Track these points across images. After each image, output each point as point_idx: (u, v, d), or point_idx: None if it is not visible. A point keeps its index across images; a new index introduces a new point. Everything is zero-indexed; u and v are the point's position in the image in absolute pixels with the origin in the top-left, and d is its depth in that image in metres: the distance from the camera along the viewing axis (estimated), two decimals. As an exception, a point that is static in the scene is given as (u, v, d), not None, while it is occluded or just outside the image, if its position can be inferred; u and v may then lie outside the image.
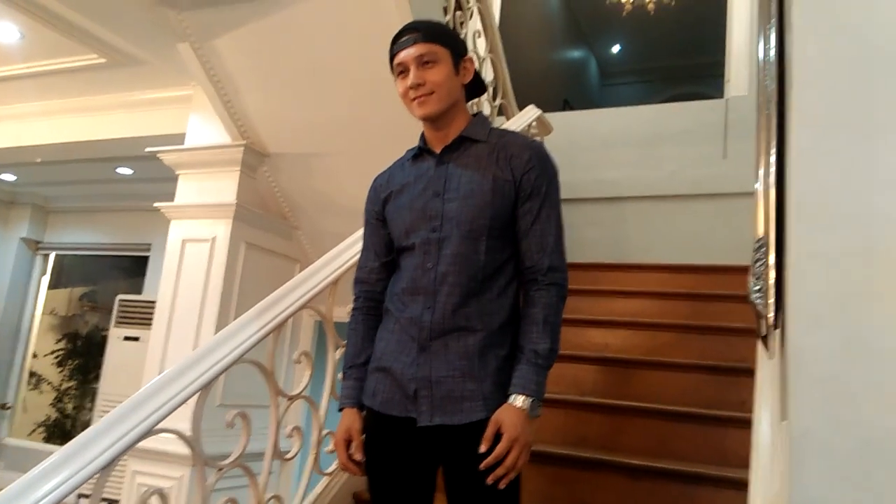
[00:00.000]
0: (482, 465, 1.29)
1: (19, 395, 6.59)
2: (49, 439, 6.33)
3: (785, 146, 1.24)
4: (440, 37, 1.45)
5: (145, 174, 5.34)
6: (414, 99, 1.44)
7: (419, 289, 1.41)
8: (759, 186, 1.39)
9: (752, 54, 4.30)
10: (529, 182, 1.43)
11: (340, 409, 1.49)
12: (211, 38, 3.09)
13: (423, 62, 1.42)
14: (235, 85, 3.30)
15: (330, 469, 2.10)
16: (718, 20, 4.83)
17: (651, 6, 5.90)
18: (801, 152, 1.03)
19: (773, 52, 1.50)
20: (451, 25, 3.02)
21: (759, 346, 1.48)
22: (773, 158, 1.38)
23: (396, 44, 1.46)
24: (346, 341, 1.58)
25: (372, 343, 1.50)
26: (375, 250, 1.55)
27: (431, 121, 1.47)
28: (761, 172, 1.40)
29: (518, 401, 1.32)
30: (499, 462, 1.28)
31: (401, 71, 1.46)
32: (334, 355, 2.04)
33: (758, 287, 1.31)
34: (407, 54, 1.43)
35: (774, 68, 1.49)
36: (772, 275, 1.27)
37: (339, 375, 1.58)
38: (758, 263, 1.31)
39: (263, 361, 1.78)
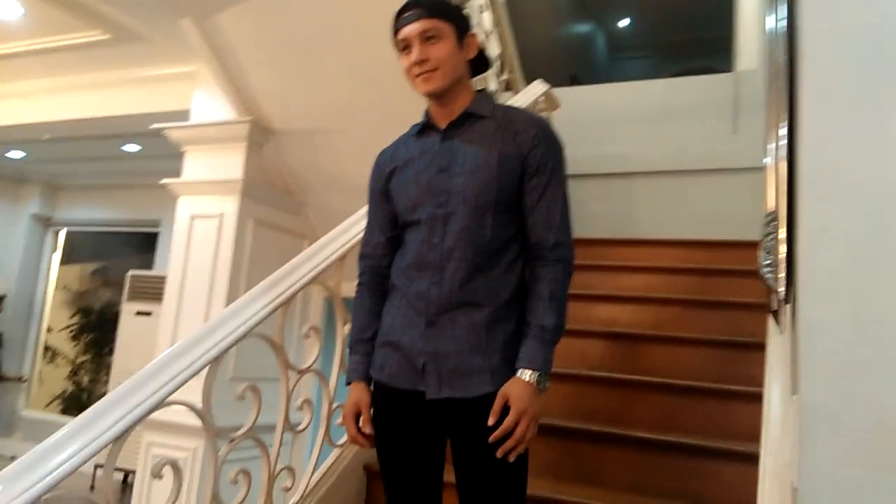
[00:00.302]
0: (491, 438, 1.30)
1: (35, 369, 6.69)
2: (65, 411, 6.45)
3: (795, 119, 1.23)
4: (443, 12, 1.43)
5: (152, 151, 5.34)
6: (418, 75, 1.43)
7: (426, 264, 1.41)
8: (769, 160, 1.38)
9: (762, 27, 4.24)
10: (536, 158, 1.42)
11: (348, 383, 1.50)
12: (213, 13, 3.07)
13: (427, 38, 1.41)
14: (239, 60, 3.28)
15: (341, 441, 2.12)
16: (728, -7, 4.76)
17: (661, -22, 5.80)
18: (811, 125, 1.02)
19: (782, 24, 1.47)
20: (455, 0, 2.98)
21: (770, 320, 1.48)
22: (783, 132, 1.37)
23: (399, 19, 1.45)
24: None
25: (378, 317, 1.50)
26: (380, 225, 1.55)
27: (436, 97, 1.46)
28: (771, 146, 1.38)
29: (526, 374, 1.33)
30: (507, 435, 1.30)
31: (404, 47, 1.44)
32: (343, 330, 2.05)
33: (768, 262, 1.30)
34: (410, 30, 1.42)
35: (784, 40, 1.46)
36: (782, 249, 1.27)
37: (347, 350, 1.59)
38: (768, 238, 1.31)
39: (273, 336, 1.79)
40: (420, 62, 1.41)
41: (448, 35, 1.42)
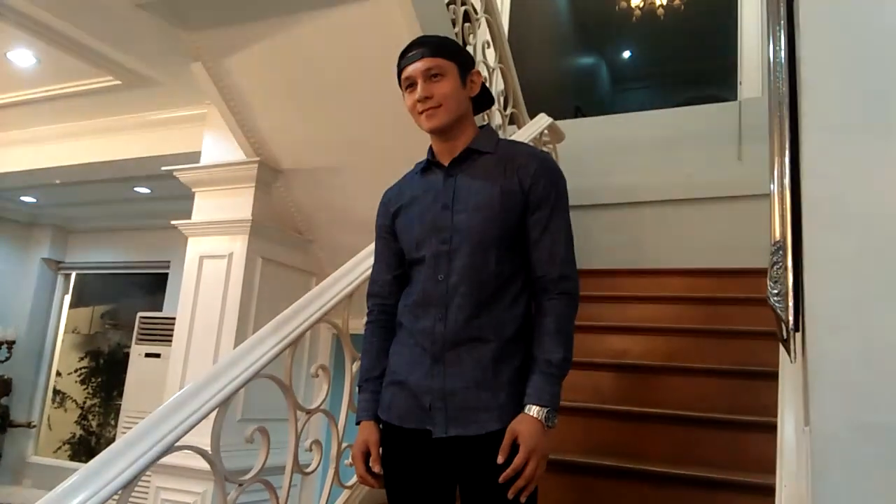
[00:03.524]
0: (502, 478, 1.28)
1: (44, 414, 6.66)
2: (74, 457, 6.40)
3: (798, 148, 1.23)
4: (447, 51, 1.47)
5: (162, 193, 5.41)
6: (422, 112, 1.45)
7: (431, 301, 1.41)
8: (773, 188, 1.38)
9: (765, 56, 4.28)
10: (537, 192, 1.43)
11: (357, 423, 1.49)
12: (222, 57, 3.13)
13: (431, 75, 1.44)
14: (248, 103, 3.34)
15: (350, 482, 2.09)
16: (730, 22, 4.81)
17: (661, 11, 5.87)
18: (813, 154, 1.02)
19: (782, 54, 1.49)
20: (459, 37, 3.03)
21: (782, 350, 1.46)
22: (787, 160, 1.37)
23: (404, 59, 1.48)
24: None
25: (387, 356, 1.50)
26: (387, 263, 1.56)
27: (439, 133, 1.48)
28: (776, 174, 1.38)
29: (533, 411, 1.32)
30: (518, 474, 1.28)
31: (409, 85, 1.48)
32: (352, 368, 2.04)
33: (776, 290, 1.29)
34: (414, 68, 1.45)
35: (785, 69, 1.47)
36: (790, 278, 1.26)
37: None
38: (775, 266, 1.30)
39: (281, 376, 1.78)
40: (424, 99, 1.44)
41: (451, 73, 1.45)
